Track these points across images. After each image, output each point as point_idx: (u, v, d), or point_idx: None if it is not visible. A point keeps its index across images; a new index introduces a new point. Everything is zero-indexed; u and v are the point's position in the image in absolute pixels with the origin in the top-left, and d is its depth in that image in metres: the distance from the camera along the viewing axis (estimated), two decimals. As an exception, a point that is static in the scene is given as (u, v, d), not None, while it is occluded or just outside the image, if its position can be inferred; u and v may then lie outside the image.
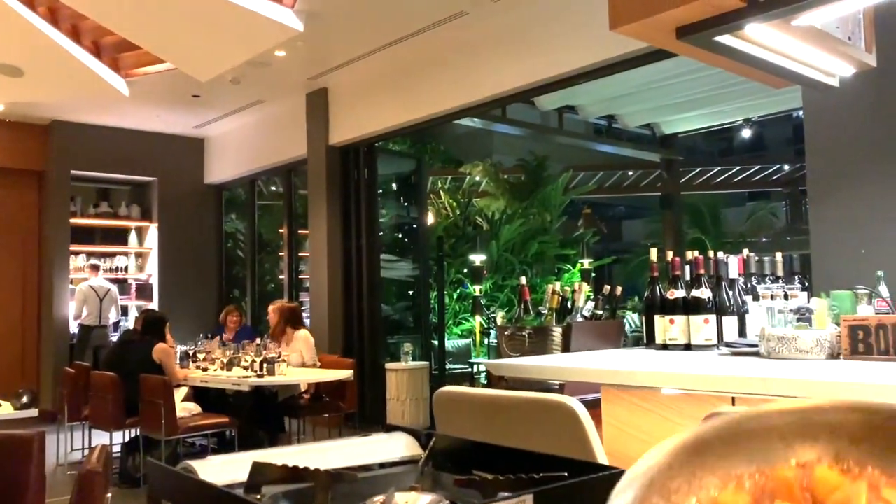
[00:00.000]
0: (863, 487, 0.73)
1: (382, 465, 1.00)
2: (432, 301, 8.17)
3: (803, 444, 0.75)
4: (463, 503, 0.75)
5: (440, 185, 10.69)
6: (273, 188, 9.88)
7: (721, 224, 12.35)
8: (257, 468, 0.85)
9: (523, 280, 3.21)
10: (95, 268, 8.36)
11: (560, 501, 0.68)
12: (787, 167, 11.69)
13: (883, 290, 2.60)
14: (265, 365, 5.32)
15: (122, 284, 8.95)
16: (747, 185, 12.37)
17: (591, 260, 10.58)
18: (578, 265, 10.12)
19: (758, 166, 11.99)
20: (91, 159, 8.66)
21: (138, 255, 9.37)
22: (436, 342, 7.86)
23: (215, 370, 5.73)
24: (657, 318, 2.58)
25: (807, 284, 2.88)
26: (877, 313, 2.36)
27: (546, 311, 3.06)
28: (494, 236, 9.76)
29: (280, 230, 8.90)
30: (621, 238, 15.97)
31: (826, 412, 0.77)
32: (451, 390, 1.77)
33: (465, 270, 9.58)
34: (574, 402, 1.45)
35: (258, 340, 5.87)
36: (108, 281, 8.45)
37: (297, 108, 7.82)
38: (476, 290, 9.05)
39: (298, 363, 5.97)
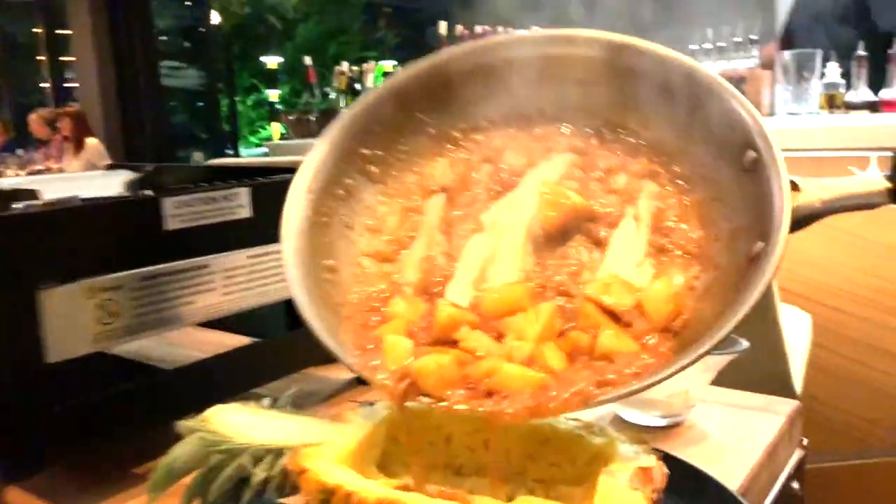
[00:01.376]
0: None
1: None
2: (224, 109, 7.64)
3: (541, 88, 0.66)
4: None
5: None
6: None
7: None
8: None
9: (308, 60, 2.97)
10: None
11: (276, 195, 0.59)
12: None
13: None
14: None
15: None
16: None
17: (395, 63, 10.29)
18: (380, 67, 9.82)
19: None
20: None
21: None
22: (230, 151, 7.45)
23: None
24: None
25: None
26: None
27: (334, 94, 2.90)
28: (289, 37, 9.13)
29: (36, 31, 7.68)
30: (425, 43, 15.69)
31: (578, 43, 0.65)
32: (221, 160, 1.61)
33: (260, 75, 8.97)
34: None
35: (20, 152, 5.21)
36: None
37: None
38: (272, 95, 8.56)
39: None
